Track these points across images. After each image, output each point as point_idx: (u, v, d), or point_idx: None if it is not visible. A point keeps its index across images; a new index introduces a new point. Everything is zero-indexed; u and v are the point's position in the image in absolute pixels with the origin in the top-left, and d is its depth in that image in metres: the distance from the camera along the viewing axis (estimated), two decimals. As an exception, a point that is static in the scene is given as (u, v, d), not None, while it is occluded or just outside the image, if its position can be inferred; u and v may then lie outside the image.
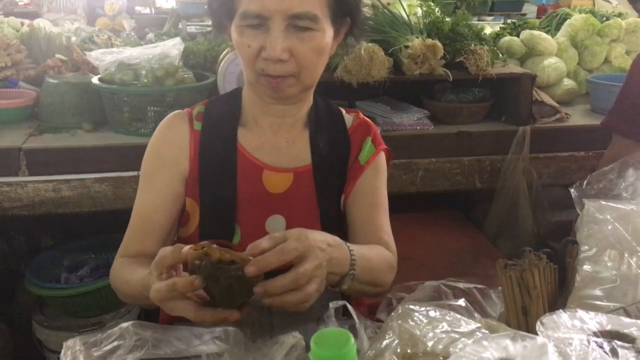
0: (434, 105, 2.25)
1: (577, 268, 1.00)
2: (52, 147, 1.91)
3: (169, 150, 1.17)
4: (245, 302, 0.87)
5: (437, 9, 2.31)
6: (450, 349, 0.78)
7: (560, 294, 1.01)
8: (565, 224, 1.71)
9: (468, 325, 0.83)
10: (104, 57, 2.07)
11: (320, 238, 0.92)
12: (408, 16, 2.23)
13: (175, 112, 1.22)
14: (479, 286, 1.03)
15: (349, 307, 0.90)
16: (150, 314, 1.14)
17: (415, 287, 1.04)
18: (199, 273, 0.82)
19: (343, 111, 1.27)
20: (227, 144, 1.17)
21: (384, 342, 0.82)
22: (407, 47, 2.05)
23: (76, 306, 2.00)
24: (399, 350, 0.80)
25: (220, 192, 1.15)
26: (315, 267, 0.87)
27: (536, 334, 0.78)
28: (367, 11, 1.70)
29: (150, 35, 2.93)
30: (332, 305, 0.89)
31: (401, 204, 1.50)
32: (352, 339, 0.65)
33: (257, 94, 1.13)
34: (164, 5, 4.76)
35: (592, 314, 0.83)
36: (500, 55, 2.38)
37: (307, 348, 0.72)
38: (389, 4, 2.31)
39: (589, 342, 0.75)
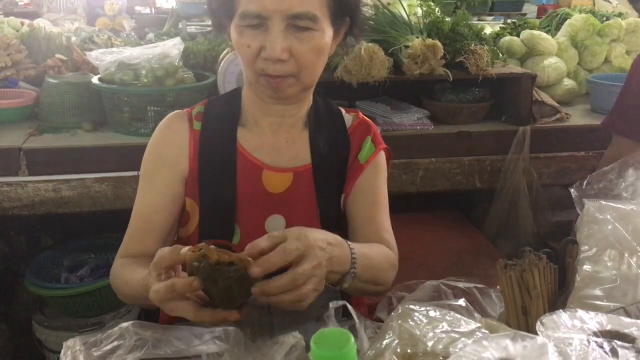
0: (434, 105, 2.25)
1: (577, 268, 1.00)
2: (52, 147, 1.91)
3: (168, 150, 1.17)
4: (244, 302, 0.87)
5: (437, 9, 2.31)
6: (450, 349, 0.78)
7: (560, 294, 1.01)
8: (565, 224, 1.71)
9: (468, 325, 0.83)
10: (104, 57, 2.07)
11: (321, 237, 0.92)
12: (408, 16, 2.23)
13: (175, 112, 1.22)
14: (479, 286, 1.03)
15: (349, 307, 0.90)
16: (150, 314, 1.14)
17: (416, 286, 1.04)
18: (197, 274, 0.82)
19: (343, 111, 1.27)
20: (227, 143, 1.17)
21: (384, 342, 0.82)
22: (407, 47, 2.05)
23: (76, 306, 2.00)
24: (399, 350, 0.80)
25: (220, 192, 1.15)
26: (313, 267, 0.87)
27: (536, 334, 0.78)
28: (367, 10, 1.70)
29: (150, 35, 2.93)
30: (332, 305, 0.89)
31: (401, 204, 1.50)
32: (352, 339, 0.65)
33: (257, 94, 1.13)
34: (164, 5, 4.76)
35: (592, 313, 0.83)
36: (501, 55, 2.38)
37: (307, 348, 0.72)
38: (389, 4, 2.31)
39: (589, 342, 0.75)
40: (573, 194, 1.11)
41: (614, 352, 0.73)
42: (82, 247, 2.23)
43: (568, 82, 2.51)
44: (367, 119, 1.28)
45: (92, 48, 2.41)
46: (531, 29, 2.68)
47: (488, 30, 2.72)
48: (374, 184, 1.21)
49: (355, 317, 0.89)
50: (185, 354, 0.85)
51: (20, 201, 1.86)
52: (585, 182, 1.13)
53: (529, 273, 0.94)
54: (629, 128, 1.64)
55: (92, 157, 1.91)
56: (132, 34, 3.01)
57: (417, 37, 2.07)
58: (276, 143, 1.18)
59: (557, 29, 2.83)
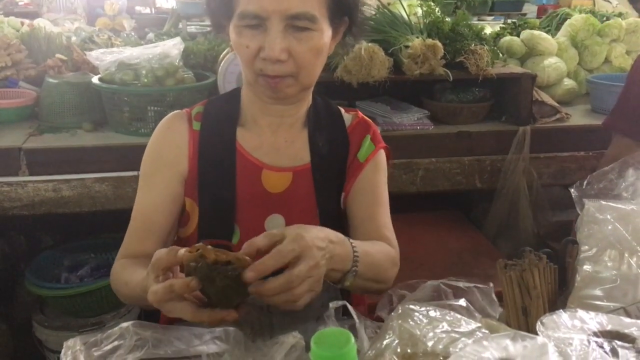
0: (434, 105, 2.25)
1: (577, 268, 1.00)
2: (52, 147, 1.91)
3: (168, 151, 1.17)
4: (243, 301, 0.87)
5: (437, 9, 2.31)
6: (451, 349, 0.78)
7: (561, 294, 1.01)
8: (566, 224, 1.71)
9: (468, 325, 0.83)
10: (104, 57, 2.07)
11: (322, 235, 0.92)
12: (408, 16, 2.23)
13: (174, 112, 1.22)
14: (480, 285, 1.03)
15: (349, 307, 0.90)
16: (150, 314, 1.14)
17: (417, 286, 1.04)
18: (195, 275, 0.82)
19: (342, 110, 1.27)
20: (226, 143, 1.17)
21: (384, 342, 0.82)
22: (407, 47, 2.05)
23: (76, 306, 2.00)
24: (399, 350, 0.80)
25: (220, 192, 1.15)
26: (310, 268, 0.86)
27: (536, 334, 0.78)
28: (368, 10, 1.70)
29: (151, 35, 2.93)
30: (332, 305, 0.89)
31: (401, 204, 1.50)
32: (353, 339, 0.65)
33: (256, 94, 1.13)
34: (164, 5, 4.76)
35: (592, 314, 0.83)
36: (501, 55, 2.38)
37: (307, 348, 0.72)
38: (389, 4, 2.31)
39: (589, 342, 0.75)
40: (573, 194, 1.11)
41: (614, 352, 0.73)
42: (82, 247, 2.23)
43: (568, 82, 2.51)
44: (367, 118, 1.28)
45: (92, 48, 2.41)
46: (531, 29, 2.68)
47: (488, 30, 2.72)
48: (373, 182, 1.21)
49: (355, 316, 0.89)
50: (185, 354, 0.85)
51: (21, 201, 1.86)
52: (585, 182, 1.13)
53: (529, 273, 0.94)
54: (630, 128, 1.65)
55: (92, 157, 1.91)
56: (132, 34, 3.01)
57: (417, 37, 2.07)
58: (275, 143, 1.18)
59: (557, 29, 2.83)
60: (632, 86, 1.69)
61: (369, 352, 0.83)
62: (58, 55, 2.32)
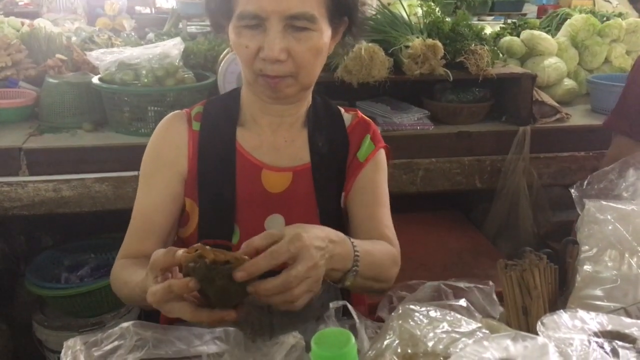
0: (434, 105, 2.25)
1: (577, 268, 1.00)
2: (52, 147, 1.91)
3: (167, 151, 1.17)
4: (242, 301, 0.87)
5: (437, 9, 2.31)
6: (451, 349, 0.78)
7: (561, 294, 1.01)
8: (566, 224, 1.70)
9: (469, 325, 0.83)
10: (104, 57, 2.07)
11: (322, 235, 0.92)
12: (408, 16, 2.23)
13: (174, 112, 1.22)
14: (480, 286, 1.03)
15: (350, 307, 0.90)
16: (150, 314, 1.14)
17: (417, 286, 1.04)
18: (193, 275, 0.82)
19: (342, 110, 1.27)
20: (226, 143, 1.17)
21: (385, 342, 0.82)
22: (407, 47, 2.05)
23: (76, 306, 2.00)
24: (399, 350, 0.80)
25: (219, 192, 1.15)
26: (308, 268, 0.85)
27: (537, 334, 0.78)
28: (368, 9, 1.70)
29: (151, 35, 2.93)
30: (333, 305, 0.89)
31: (401, 204, 1.49)
32: (353, 339, 0.65)
33: (256, 94, 1.13)
34: (164, 5, 4.77)
35: (592, 314, 0.83)
36: (501, 55, 2.38)
37: (307, 348, 0.72)
38: (389, 4, 2.31)
39: (589, 343, 0.75)
40: (573, 194, 1.11)
41: (614, 352, 0.73)
42: (83, 247, 2.23)
43: (568, 82, 2.51)
44: (366, 118, 1.28)
45: (92, 48, 2.41)
46: (531, 29, 2.68)
47: (488, 30, 2.72)
48: (374, 181, 1.21)
49: (355, 317, 0.89)
50: (185, 354, 0.85)
51: (21, 201, 1.86)
52: (585, 182, 1.13)
53: (529, 273, 0.94)
54: (631, 128, 1.65)
55: (93, 157, 1.91)
56: (133, 34, 3.01)
57: (418, 37, 2.07)
58: (275, 142, 1.18)
59: (557, 29, 2.83)
60: (633, 86, 1.69)
61: (370, 352, 0.83)
62: (58, 56, 2.32)
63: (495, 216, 2.27)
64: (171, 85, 2.01)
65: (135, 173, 1.81)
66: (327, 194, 1.19)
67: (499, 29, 2.83)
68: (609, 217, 1.02)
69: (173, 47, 2.10)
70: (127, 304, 2.03)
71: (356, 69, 1.98)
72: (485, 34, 2.39)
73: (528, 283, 0.94)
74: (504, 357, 0.71)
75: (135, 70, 2.01)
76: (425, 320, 0.84)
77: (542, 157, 2.20)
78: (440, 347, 0.79)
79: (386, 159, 1.26)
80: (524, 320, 0.94)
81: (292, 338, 0.85)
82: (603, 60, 2.65)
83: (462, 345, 0.78)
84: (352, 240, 0.99)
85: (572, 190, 1.12)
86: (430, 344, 0.80)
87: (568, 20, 2.75)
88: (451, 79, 2.10)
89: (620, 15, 2.97)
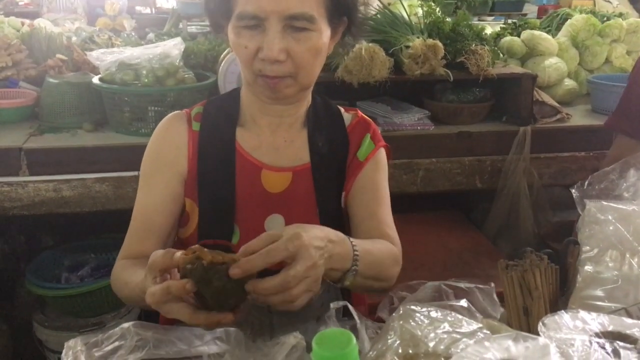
0: (435, 106, 2.25)
1: (578, 268, 1.00)
2: (52, 147, 1.91)
3: (167, 151, 1.17)
4: (240, 303, 0.87)
5: (437, 9, 2.31)
6: (452, 350, 0.78)
7: (562, 295, 1.01)
8: (566, 225, 1.70)
9: (469, 325, 0.83)
10: (104, 57, 2.07)
11: (321, 234, 0.91)
12: (409, 16, 2.23)
13: (174, 112, 1.22)
14: (480, 286, 1.02)
15: (350, 307, 0.90)
16: (150, 315, 1.14)
17: (418, 287, 1.03)
18: (190, 277, 0.82)
19: (342, 109, 1.27)
20: (226, 144, 1.17)
21: (386, 343, 0.82)
22: (407, 47, 2.05)
23: (77, 306, 2.00)
24: (400, 350, 0.80)
25: (219, 192, 1.14)
26: (306, 268, 0.85)
27: (538, 334, 0.78)
28: (369, 9, 1.70)
29: (151, 35, 2.93)
30: (333, 305, 0.89)
31: (402, 204, 1.49)
32: (354, 340, 0.65)
33: (255, 94, 1.13)
34: (165, 5, 4.76)
35: (593, 314, 0.83)
36: (501, 55, 2.38)
37: (308, 348, 0.72)
38: (389, 4, 2.31)
39: (591, 343, 0.74)
40: (574, 195, 1.11)
41: (616, 353, 0.73)
42: (83, 247, 2.23)
43: (569, 83, 2.51)
44: (366, 117, 1.28)
45: (92, 48, 2.41)
46: (532, 29, 2.68)
47: (489, 30, 2.72)
48: (374, 180, 1.21)
49: (356, 317, 0.89)
50: (186, 354, 0.85)
51: (21, 201, 1.86)
52: (586, 183, 1.13)
53: (530, 273, 0.94)
54: (632, 128, 1.64)
55: (93, 157, 1.91)
56: (133, 34, 3.00)
57: (418, 37, 2.07)
58: (275, 143, 1.18)
59: (558, 29, 2.83)
60: (634, 86, 1.69)
61: (370, 352, 0.82)
62: (58, 56, 2.32)
63: (495, 216, 2.27)
64: (171, 85, 2.01)
65: (136, 173, 1.81)
66: (327, 194, 1.19)
67: (499, 29, 2.83)
68: (609, 217, 1.02)
69: (173, 47, 2.10)
70: (127, 304, 2.03)
71: (356, 69, 1.98)
72: (485, 34, 2.39)
73: (529, 283, 0.94)
74: (505, 357, 0.71)
75: (136, 70, 2.01)
76: (426, 321, 0.84)
77: (543, 157, 2.20)
78: (442, 347, 0.79)
79: (386, 158, 1.26)
80: (524, 321, 0.94)
81: (293, 338, 0.85)
82: (603, 60, 2.65)
83: (463, 346, 0.78)
84: (351, 239, 0.99)
85: (573, 191, 1.12)
86: (431, 344, 0.80)
87: (568, 20, 2.75)
88: (452, 79, 2.09)
89: (620, 15, 2.97)
